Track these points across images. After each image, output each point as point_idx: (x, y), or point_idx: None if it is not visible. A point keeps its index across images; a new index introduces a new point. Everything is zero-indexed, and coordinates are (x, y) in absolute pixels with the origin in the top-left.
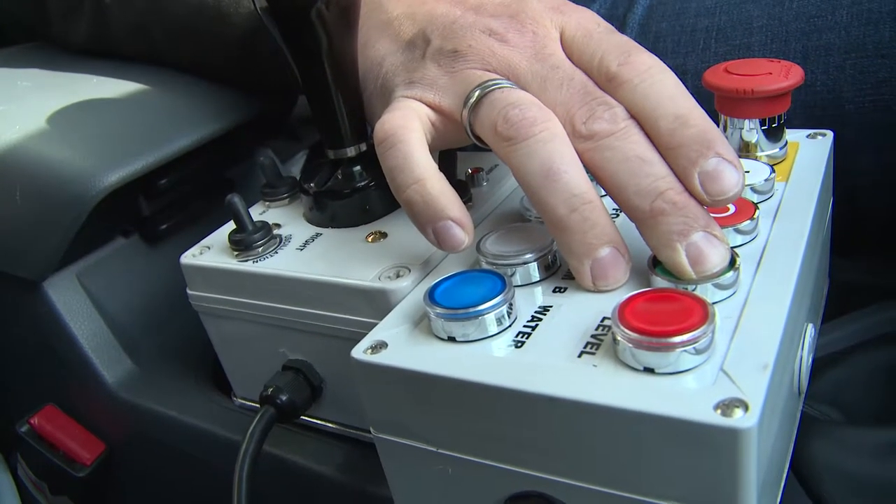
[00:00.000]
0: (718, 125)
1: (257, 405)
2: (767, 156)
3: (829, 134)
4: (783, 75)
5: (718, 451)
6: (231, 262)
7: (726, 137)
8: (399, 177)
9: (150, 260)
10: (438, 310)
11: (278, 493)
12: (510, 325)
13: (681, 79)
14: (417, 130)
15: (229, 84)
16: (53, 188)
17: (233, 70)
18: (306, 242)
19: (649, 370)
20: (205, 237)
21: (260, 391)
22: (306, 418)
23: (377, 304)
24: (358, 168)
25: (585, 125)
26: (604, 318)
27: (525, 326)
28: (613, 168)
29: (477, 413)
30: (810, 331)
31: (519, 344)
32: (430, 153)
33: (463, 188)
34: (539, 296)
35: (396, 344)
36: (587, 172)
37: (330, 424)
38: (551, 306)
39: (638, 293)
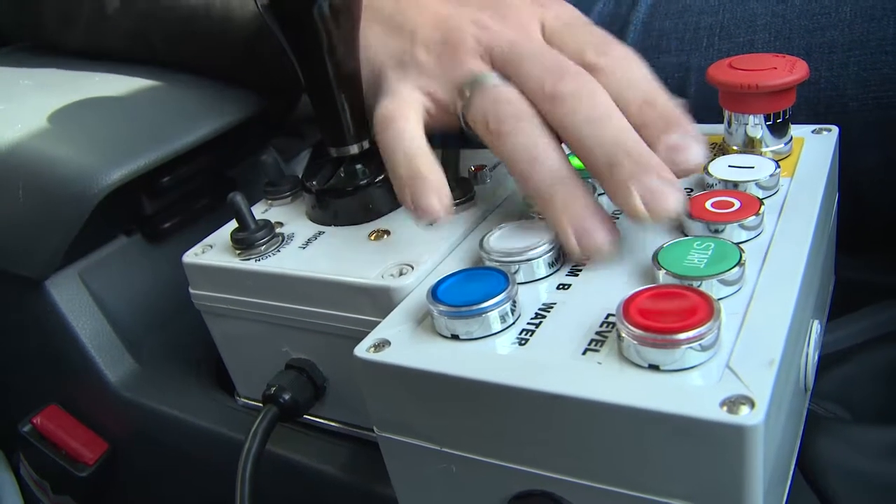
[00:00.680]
0: (723, 121)
1: (260, 404)
2: (772, 151)
3: (835, 129)
4: (788, 70)
5: (724, 448)
6: (233, 261)
7: (731, 133)
8: (392, 156)
9: (153, 258)
10: (441, 308)
11: (281, 492)
12: (514, 323)
13: (684, 76)
14: (412, 115)
15: (231, 82)
16: (56, 186)
17: (236, 69)
18: (309, 241)
19: (654, 367)
20: (207, 236)
21: (263, 390)
22: (309, 417)
23: (380, 302)
24: (360, 166)
25: (554, 87)
26: (608, 315)
27: (529, 324)
28: (577, 124)
29: (481, 411)
30: (816, 327)
31: (523, 341)
32: (427, 137)
33: (466, 185)
34: (543, 293)
35: (399, 342)
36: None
37: (333, 423)
38: (555, 303)
39: (643, 289)
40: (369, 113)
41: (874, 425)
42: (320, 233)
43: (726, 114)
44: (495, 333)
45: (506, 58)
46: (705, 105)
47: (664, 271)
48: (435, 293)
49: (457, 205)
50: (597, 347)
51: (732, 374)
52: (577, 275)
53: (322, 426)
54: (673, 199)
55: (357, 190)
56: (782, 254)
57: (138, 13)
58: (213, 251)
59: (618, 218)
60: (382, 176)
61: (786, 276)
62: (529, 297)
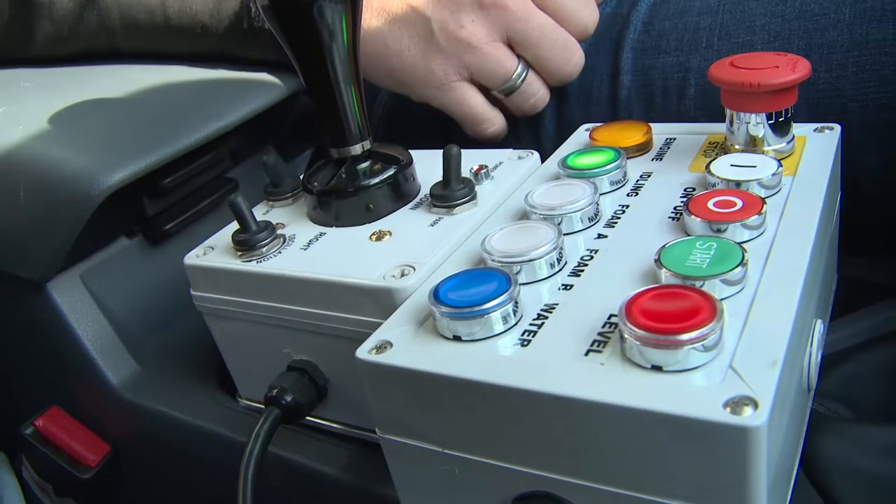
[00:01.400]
0: (724, 120)
1: (262, 406)
2: (774, 150)
3: (837, 127)
4: (790, 68)
5: (728, 449)
6: (235, 263)
7: (733, 132)
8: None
9: (154, 260)
10: (443, 309)
11: (283, 493)
12: (516, 324)
13: (684, 76)
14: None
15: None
16: (57, 188)
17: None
18: (310, 242)
19: (657, 368)
20: (209, 237)
21: (264, 392)
22: (311, 419)
23: (382, 303)
24: (362, 166)
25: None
26: (610, 316)
27: (531, 325)
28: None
29: (483, 413)
30: (819, 327)
31: (525, 342)
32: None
33: (468, 186)
34: (545, 293)
35: (401, 343)
36: None
37: (335, 425)
38: (557, 304)
39: (645, 290)
40: (410, 68)
41: (878, 424)
42: (322, 234)
43: (728, 113)
44: (497, 335)
45: (513, 33)
46: (704, 105)
47: (666, 271)
48: (437, 294)
49: (458, 205)
50: (599, 348)
51: (736, 374)
52: (579, 275)
53: (324, 427)
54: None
55: (358, 191)
56: (785, 253)
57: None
58: (214, 253)
59: (619, 218)
60: (383, 177)
61: (789, 276)
62: (531, 298)
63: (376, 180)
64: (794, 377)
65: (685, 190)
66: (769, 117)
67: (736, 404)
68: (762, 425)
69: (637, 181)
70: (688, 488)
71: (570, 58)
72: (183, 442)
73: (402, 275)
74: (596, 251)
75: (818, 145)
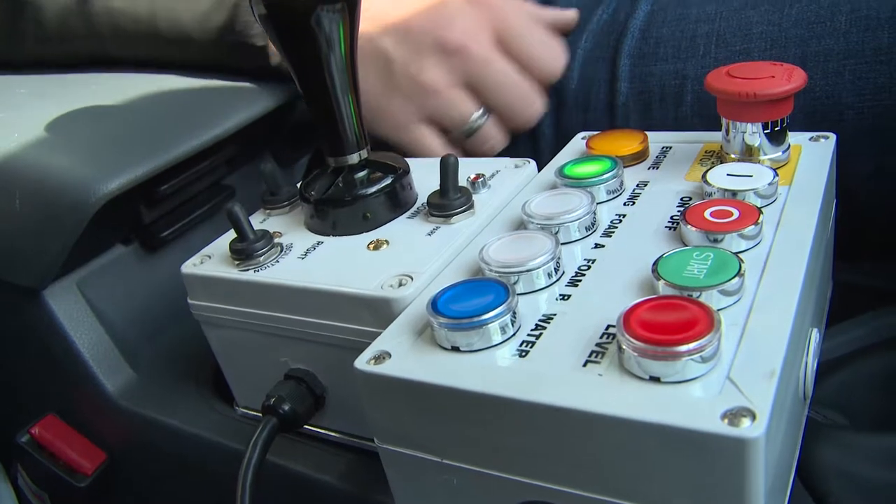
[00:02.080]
0: (721, 128)
1: (260, 414)
2: (770, 159)
3: (832, 136)
4: (786, 78)
5: (726, 460)
6: (232, 272)
7: (728, 141)
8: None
9: (150, 267)
10: (442, 319)
11: (280, 502)
12: (514, 334)
13: (681, 84)
14: None
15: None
16: (53, 195)
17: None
18: (308, 251)
19: (655, 379)
20: (205, 245)
21: (261, 400)
22: (308, 427)
23: (380, 313)
24: (359, 175)
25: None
26: (608, 326)
27: (529, 335)
28: None
29: (482, 423)
30: (815, 336)
31: (523, 353)
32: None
33: (465, 195)
34: (542, 304)
35: (400, 354)
36: None
37: (332, 434)
38: (555, 314)
39: (643, 301)
40: (374, 111)
41: (873, 432)
42: (319, 243)
43: (724, 121)
44: (496, 345)
45: (470, 78)
46: (701, 112)
47: (664, 282)
48: (435, 305)
49: (455, 214)
50: (597, 359)
51: (733, 385)
52: (576, 285)
53: (321, 436)
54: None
55: (355, 200)
56: (781, 264)
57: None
58: (211, 261)
59: (616, 227)
60: (381, 185)
61: (785, 287)
62: (529, 308)
63: (373, 189)
64: (791, 387)
65: (682, 199)
66: (765, 127)
67: (734, 416)
68: (760, 437)
69: (634, 190)
70: (686, 498)
71: (529, 106)
72: (180, 450)
73: (400, 284)
74: (593, 261)
75: (814, 154)
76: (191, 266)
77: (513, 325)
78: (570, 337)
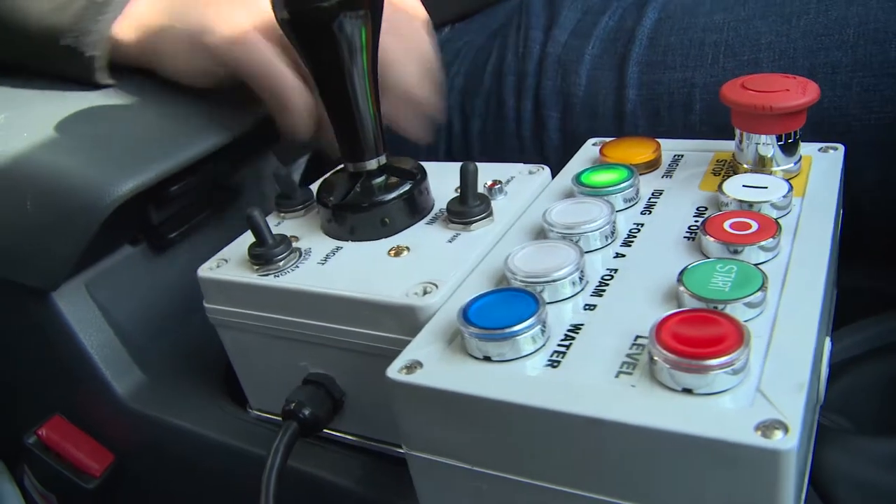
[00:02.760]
0: (731, 136)
1: (274, 417)
2: (783, 170)
3: (841, 148)
4: (800, 92)
5: (759, 470)
6: (251, 277)
7: (742, 150)
8: None
9: (157, 268)
10: (473, 329)
11: None
12: (544, 345)
13: (689, 92)
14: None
15: None
16: (66, 197)
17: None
18: (327, 256)
19: (688, 391)
20: (211, 245)
21: (278, 404)
22: (326, 431)
23: (404, 320)
24: (377, 181)
25: None
26: (637, 337)
27: (559, 345)
28: None
29: (515, 432)
30: (828, 344)
31: (555, 363)
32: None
33: (484, 202)
34: (568, 313)
35: (431, 363)
36: None
37: (349, 437)
38: (583, 324)
39: (673, 313)
40: None
41: (879, 436)
42: (338, 248)
43: (737, 132)
44: (527, 355)
45: None
46: (710, 121)
47: (689, 293)
48: (466, 315)
49: (475, 221)
50: (629, 370)
51: (764, 398)
52: (601, 295)
53: (337, 439)
54: None
55: (374, 205)
56: (801, 276)
57: None
58: (228, 265)
59: (635, 237)
60: (399, 191)
61: (807, 299)
62: (556, 318)
63: (392, 195)
64: (813, 396)
65: (698, 209)
66: (779, 139)
67: (766, 427)
68: (793, 448)
69: (649, 199)
70: None
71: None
72: (190, 452)
73: (425, 292)
74: (615, 270)
75: (824, 166)
76: (207, 270)
77: (543, 335)
78: (600, 347)
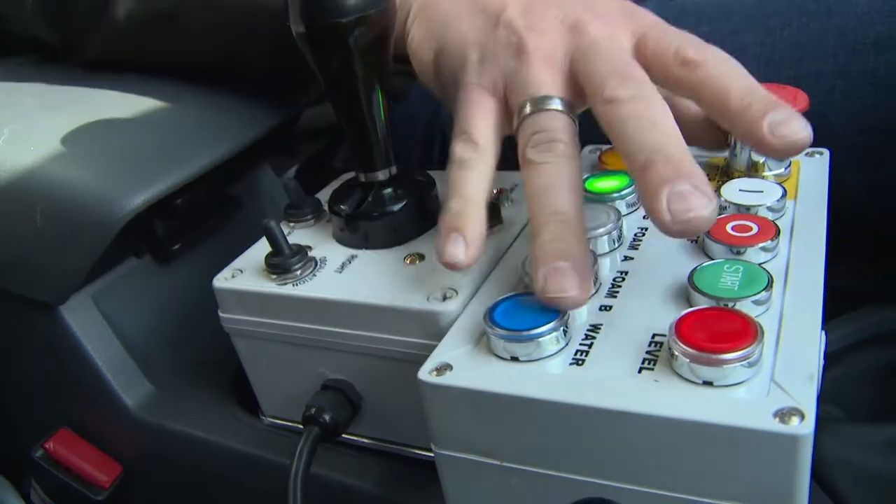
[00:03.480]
0: (729, 145)
1: (288, 423)
2: (775, 175)
3: (826, 152)
4: (792, 101)
5: (778, 455)
6: (270, 286)
7: (736, 156)
8: (449, 196)
9: (162, 279)
10: (500, 331)
11: None
12: (567, 344)
13: None
14: (484, 160)
15: (254, 78)
16: (77, 211)
17: (267, 58)
18: (343, 265)
19: (708, 383)
20: (213, 254)
21: (293, 410)
22: (343, 435)
23: (427, 325)
24: (389, 191)
25: (614, 91)
26: (654, 335)
27: (581, 344)
28: (624, 127)
29: (544, 428)
30: (823, 337)
31: (580, 361)
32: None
33: (495, 211)
34: (587, 314)
35: (461, 365)
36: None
37: (365, 440)
38: (601, 324)
39: (690, 311)
40: (446, 89)
41: (870, 423)
42: (353, 256)
43: (732, 139)
44: (552, 355)
45: (582, 55)
46: None
47: (701, 293)
48: (493, 317)
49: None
50: (650, 366)
51: (779, 388)
52: (615, 296)
53: (354, 443)
54: (699, 205)
55: (388, 214)
56: (801, 274)
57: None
58: (244, 276)
59: (641, 240)
60: (410, 200)
61: (808, 296)
62: (576, 319)
63: (404, 204)
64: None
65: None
66: None
67: (784, 415)
68: (809, 433)
69: None
70: (738, 490)
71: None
72: (205, 461)
73: (445, 298)
74: (626, 272)
75: (811, 169)
76: (223, 280)
77: (565, 335)
78: (620, 345)
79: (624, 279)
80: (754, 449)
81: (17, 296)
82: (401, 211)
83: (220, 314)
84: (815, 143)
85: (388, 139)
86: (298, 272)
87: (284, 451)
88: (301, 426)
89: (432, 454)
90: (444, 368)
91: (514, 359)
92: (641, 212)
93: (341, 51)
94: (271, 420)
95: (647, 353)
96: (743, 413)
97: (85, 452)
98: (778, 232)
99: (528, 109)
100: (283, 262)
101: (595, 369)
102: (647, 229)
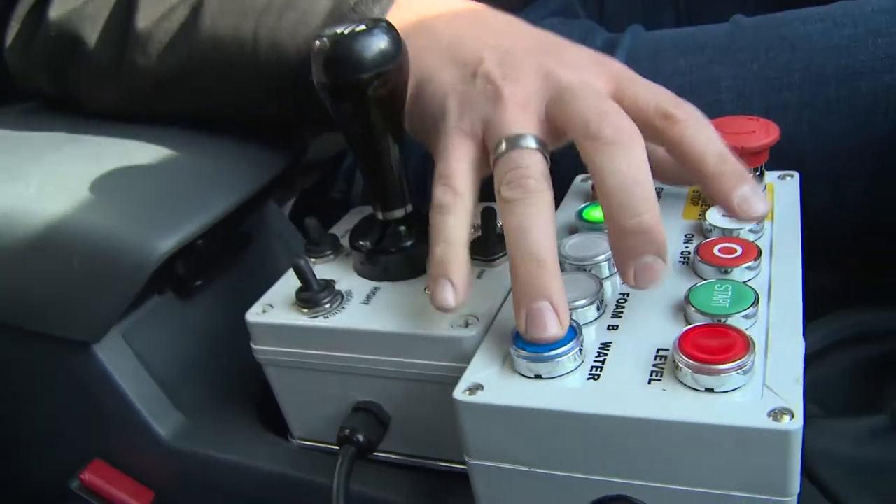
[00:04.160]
0: None
1: (318, 444)
2: None
3: (796, 175)
4: (764, 133)
5: (773, 448)
6: (302, 319)
7: None
8: (434, 240)
9: (184, 314)
10: (525, 353)
11: None
12: (583, 362)
13: None
14: (462, 205)
15: (269, 125)
16: (113, 256)
17: (275, 106)
18: (368, 296)
19: (709, 390)
20: (230, 287)
21: (323, 432)
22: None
23: (451, 350)
24: (405, 227)
25: (597, 129)
26: (658, 350)
27: (595, 361)
28: (604, 170)
29: (569, 436)
30: (802, 343)
31: (596, 377)
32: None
33: (503, 240)
34: (596, 333)
35: (491, 384)
36: None
37: (392, 455)
38: (611, 342)
39: (691, 328)
40: (428, 136)
41: (849, 417)
42: (376, 288)
43: None
44: (570, 372)
45: (559, 99)
46: None
47: (697, 310)
48: (517, 341)
49: (498, 258)
50: (658, 377)
51: (770, 391)
52: (620, 316)
53: (383, 459)
54: (654, 272)
55: (408, 249)
56: (782, 290)
57: (179, 59)
58: (275, 310)
59: None
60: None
61: (790, 309)
62: (587, 338)
63: (420, 239)
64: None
65: (685, 235)
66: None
67: (776, 414)
68: (799, 429)
69: None
70: (740, 480)
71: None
72: (239, 484)
73: (467, 324)
74: (627, 294)
75: (784, 191)
76: (255, 315)
77: (581, 354)
78: (629, 360)
79: (626, 300)
80: (752, 444)
81: (54, 336)
82: (416, 246)
83: (253, 346)
84: (786, 167)
85: (403, 180)
86: (327, 305)
87: (316, 470)
88: (330, 446)
89: (456, 465)
90: (475, 388)
91: (538, 377)
92: None
93: (361, 102)
94: (300, 442)
95: (654, 366)
96: (741, 414)
97: (118, 481)
98: (760, 253)
99: (503, 147)
100: (312, 296)
101: (610, 382)
102: None
